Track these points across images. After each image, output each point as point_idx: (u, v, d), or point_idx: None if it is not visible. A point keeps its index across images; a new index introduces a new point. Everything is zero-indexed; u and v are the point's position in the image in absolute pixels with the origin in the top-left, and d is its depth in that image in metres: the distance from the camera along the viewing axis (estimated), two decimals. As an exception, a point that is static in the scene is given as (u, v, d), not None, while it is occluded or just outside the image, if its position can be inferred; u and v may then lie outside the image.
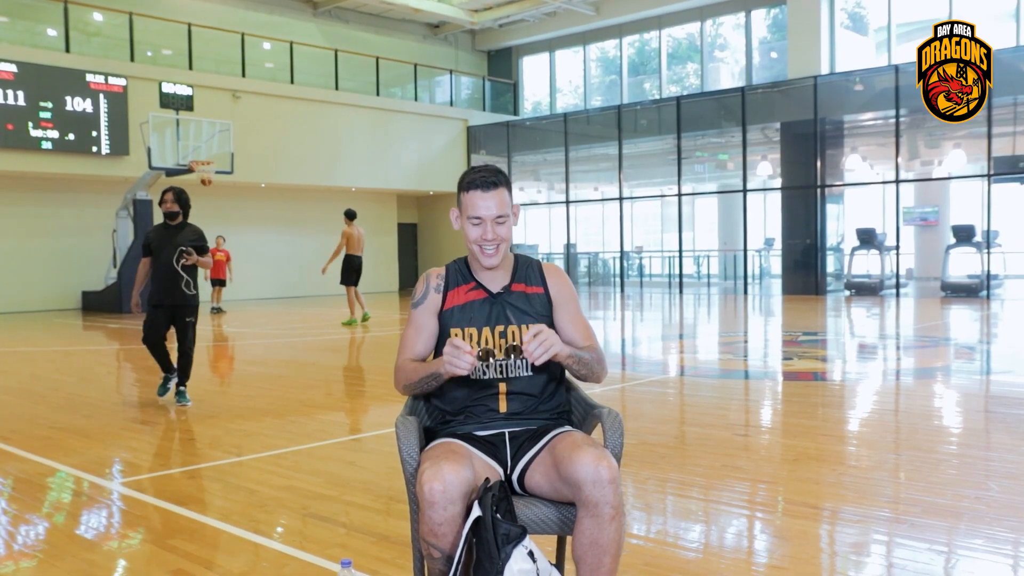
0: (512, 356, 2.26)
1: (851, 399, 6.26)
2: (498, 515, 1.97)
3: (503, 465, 2.26)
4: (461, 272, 2.42)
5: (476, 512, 1.98)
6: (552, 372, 2.37)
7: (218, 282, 16.18)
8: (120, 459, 4.69)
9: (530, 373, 2.34)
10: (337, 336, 11.51)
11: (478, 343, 2.32)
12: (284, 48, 19.83)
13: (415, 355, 2.37)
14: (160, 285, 6.24)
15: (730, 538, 3.24)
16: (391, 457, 4.43)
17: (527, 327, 2.30)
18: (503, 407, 2.32)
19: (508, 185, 2.35)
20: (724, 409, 5.93)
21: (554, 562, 2.39)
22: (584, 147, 21.94)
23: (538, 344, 2.14)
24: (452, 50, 24.74)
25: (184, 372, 6.31)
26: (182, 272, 6.19)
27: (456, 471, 2.01)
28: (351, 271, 12.94)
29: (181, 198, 6.29)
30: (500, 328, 2.34)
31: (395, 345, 11.24)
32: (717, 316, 14.41)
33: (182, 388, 6.30)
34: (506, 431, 2.30)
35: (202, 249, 6.30)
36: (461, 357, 2.14)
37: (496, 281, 2.39)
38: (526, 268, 2.43)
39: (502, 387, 2.32)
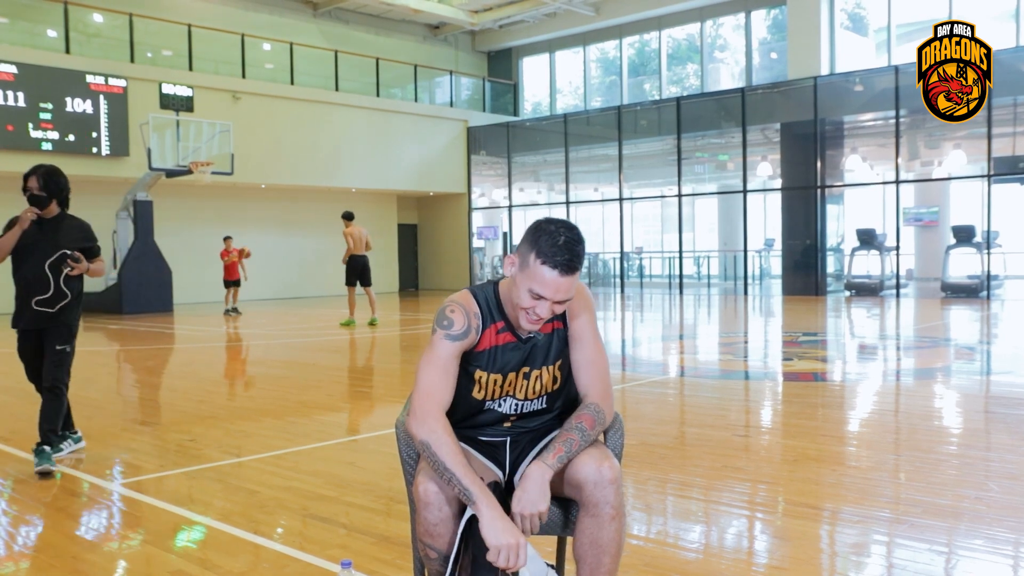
0: None
1: (851, 400, 6.26)
2: None
3: (502, 468, 2.26)
4: (491, 308, 2.18)
5: (470, 512, 1.98)
6: (565, 407, 2.29)
7: (233, 283, 16.08)
8: (120, 460, 4.68)
9: (544, 406, 2.25)
10: (337, 337, 11.51)
11: (500, 385, 2.20)
12: (284, 49, 19.83)
13: (441, 405, 2.09)
14: (26, 302, 4.43)
15: (730, 539, 3.24)
16: (391, 458, 4.43)
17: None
18: (508, 425, 2.29)
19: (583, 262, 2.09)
20: (724, 410, 5.93)
21: (554, 562, 2.38)
22: (584, 148, 21.94)
23: (530, 526, 1.97)
24: (452, 51, 24.75)
25: (48, 417, 4.42)
26: (61, 285, 4.45)
27: None
28: (352, 271, 12.97)
29: (51, 180, 4.45)
30: (525, 370, 2.21)
31: (395, 345, 11.10)
32: (717, 317, 14.40)
33: (44, 447, 4.35)
34: (508, 438, 2.28)
35: (91, 251, 4.54)
36: (507, 559, 1.90)
37: None
38: None
39: (512, 417, 2.26)
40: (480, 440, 2.26)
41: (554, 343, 2.21)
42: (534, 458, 2.21)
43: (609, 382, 2.22)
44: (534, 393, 2.23)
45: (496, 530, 1.89)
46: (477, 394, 2.21)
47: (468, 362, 2.18)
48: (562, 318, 2.22)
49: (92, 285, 17.44)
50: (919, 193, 20.50)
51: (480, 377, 2.19)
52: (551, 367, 2.22)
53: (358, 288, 13.05)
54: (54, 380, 4.48)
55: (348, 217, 13.13)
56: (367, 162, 20.60)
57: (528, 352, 2.19)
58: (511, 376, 2.20)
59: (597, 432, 2.11)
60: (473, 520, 1.97)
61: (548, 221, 2.08)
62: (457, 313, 2.14)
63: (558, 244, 2.02)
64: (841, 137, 18.95)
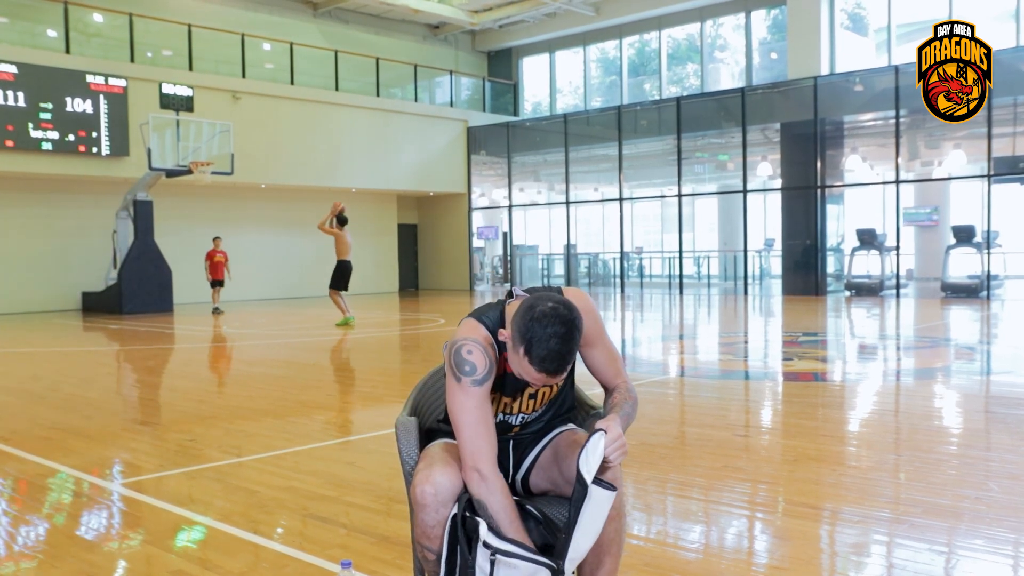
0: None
1: (851, 400, 6.26)
2: (477, 515, 1.98)
3: (504, 469, 2.25)
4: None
5: (453, 510, 1.99)
6: (560, 409, 2.31)
7: (217, 283, 16.20)
8: (120, 460, 4.68)
9: (540, 411, 2.27)
10: (336, 337, 11.51)
11: (510, 405, 2.21)
12: (284, 49, 19.83)
13: (491, 459, 2.01)
14: None
15: (730, 539, 3.24)
16: (391, 458, 4.43)
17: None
18: (515, 432, 2.29)
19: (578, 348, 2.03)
20: (724, 410, 5.93)
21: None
22: (584, 148, 21.94)
23: (614, 453, 1.96)
24: (452, 51, 24.75)
25: None
26: None
27: (447, 474, 2.02)
28: (342, 276, 13.02)
29: None
30: (531, 391, 2.21)
31: (395, 346, 11.10)
32: (717, 317, 14.40)
33: None
34: (511, 441, 2.29)
35: None
36: None
37: None
38: None
39: (516, 428, 2.28)
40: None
41: None
42: (537, 456, 2.25)
43: (622, 361, 2.30)
44: (541, 405, 2.26)
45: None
46: None
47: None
48: None
49: (92, 285, 17.48)
50: (919, 193, 20.50)
51: (493, 398, 2.19)
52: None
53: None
54: None
55: (344, 222, 13.14)
56: (367, 162, 20.59)
57: None
58: (519, 395, 2.21)
59: (635, 403, 2.22)
60: (454, 520, 1.99)
61: (542, 316, 1.93)
62: (475, 354, 2.04)
63: (549, 349, 1.92)
64: (841, 137, 18.95)
